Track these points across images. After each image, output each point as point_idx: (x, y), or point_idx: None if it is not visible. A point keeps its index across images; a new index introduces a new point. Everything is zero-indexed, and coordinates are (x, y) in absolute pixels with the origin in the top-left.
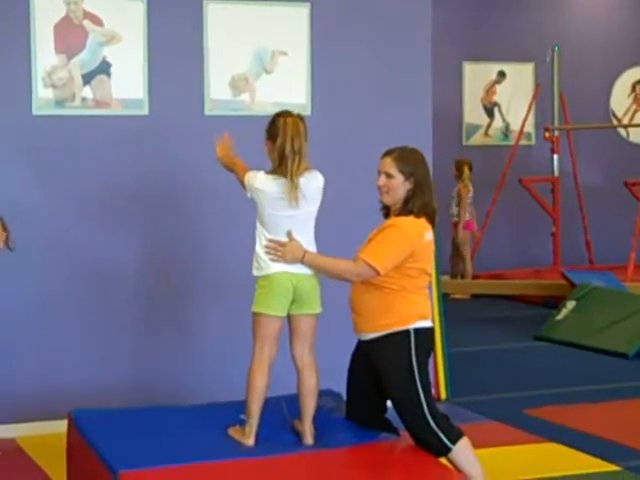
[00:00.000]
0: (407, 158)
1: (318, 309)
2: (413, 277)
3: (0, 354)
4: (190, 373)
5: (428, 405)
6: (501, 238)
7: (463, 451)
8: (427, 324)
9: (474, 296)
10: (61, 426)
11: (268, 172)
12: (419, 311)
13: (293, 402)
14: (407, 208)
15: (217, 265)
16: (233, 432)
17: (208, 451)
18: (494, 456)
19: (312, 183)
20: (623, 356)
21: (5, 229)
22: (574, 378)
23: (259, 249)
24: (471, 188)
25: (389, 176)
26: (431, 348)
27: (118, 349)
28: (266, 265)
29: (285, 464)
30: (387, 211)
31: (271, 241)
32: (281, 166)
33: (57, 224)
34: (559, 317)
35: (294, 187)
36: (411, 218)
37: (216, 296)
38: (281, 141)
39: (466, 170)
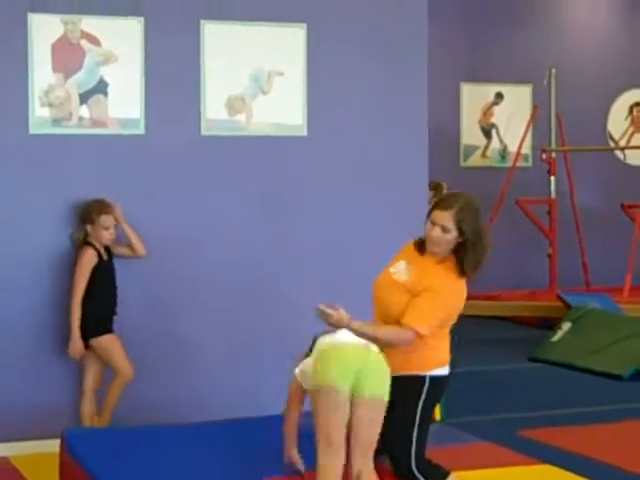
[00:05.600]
0: (466, 214)
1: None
2: (440, 327)
3: None
4: (189, 390)
5: (417, 456)
6: (497, 259)
7: None
8: (444, 372)
9: (469, 317)
10: (56, 445)
11: None
12: (439, 358)
13: None
14: (459, 260)
15: (216, 283)
16: None
17: (203, 471)
18: (488, 478)
19: None
20: (618, 378)
21: None
22: (569, 399)
23: None
24: None
25: (445, 230)
26: (442, 394)
27: None
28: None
29: None
30: (423, 246)
31: (320, 310)
32: None
33: (53, 243)
34: (554, 338)
35: None
36: (460, 281)
37: (217, 312)
38: None
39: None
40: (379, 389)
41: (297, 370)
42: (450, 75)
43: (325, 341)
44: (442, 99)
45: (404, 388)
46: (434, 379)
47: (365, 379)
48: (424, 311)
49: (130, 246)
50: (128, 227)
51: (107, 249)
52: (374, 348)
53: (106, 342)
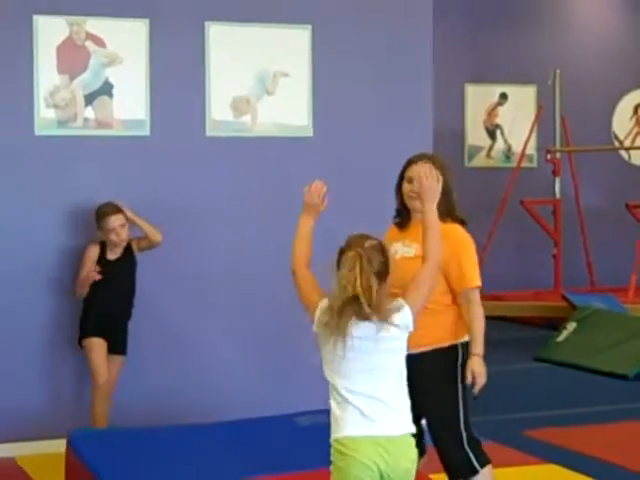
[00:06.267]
0: (438, 162)
1: None
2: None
3: (1, 373)
4: (197, 391)
5: (465, 424)
6: (502, 260)
7: (486, 477)
8: (468, 337)
9: None
10: (62, 446)
11: None
12: (464, 324)
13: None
14: (453, 215)
15: (221, 284)
16: None
17: (208, 472)
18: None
19: None
20: (623, 378)
21: None
22: (574, 399)
23: None
24: None
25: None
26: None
27: (123, 367)
28: None
29: None
30: (407, 214)
31: None
32: None
33: (59, 244)
34: (559, 339)
35: None
36: (461, 227)
37: (223, 313)
38: None
39: None
40: None
41: None
42: (455, 76)
43: (341, 439)
44: (447, 100)
45: (440, 361)
46: (465, 345)
47: None
48: (467, 268)
49: (146, 237)
50: (139, 220)
51: (128, 250)
52: (398, 432)
53: (88, 345)
